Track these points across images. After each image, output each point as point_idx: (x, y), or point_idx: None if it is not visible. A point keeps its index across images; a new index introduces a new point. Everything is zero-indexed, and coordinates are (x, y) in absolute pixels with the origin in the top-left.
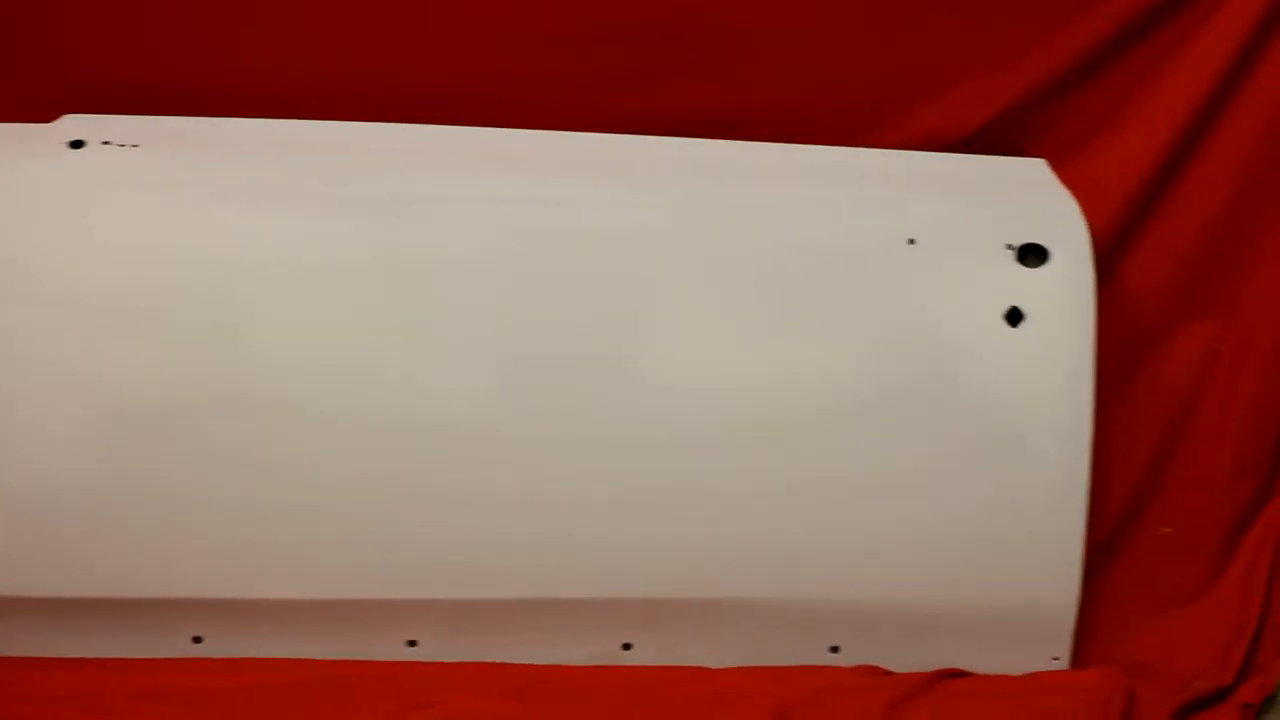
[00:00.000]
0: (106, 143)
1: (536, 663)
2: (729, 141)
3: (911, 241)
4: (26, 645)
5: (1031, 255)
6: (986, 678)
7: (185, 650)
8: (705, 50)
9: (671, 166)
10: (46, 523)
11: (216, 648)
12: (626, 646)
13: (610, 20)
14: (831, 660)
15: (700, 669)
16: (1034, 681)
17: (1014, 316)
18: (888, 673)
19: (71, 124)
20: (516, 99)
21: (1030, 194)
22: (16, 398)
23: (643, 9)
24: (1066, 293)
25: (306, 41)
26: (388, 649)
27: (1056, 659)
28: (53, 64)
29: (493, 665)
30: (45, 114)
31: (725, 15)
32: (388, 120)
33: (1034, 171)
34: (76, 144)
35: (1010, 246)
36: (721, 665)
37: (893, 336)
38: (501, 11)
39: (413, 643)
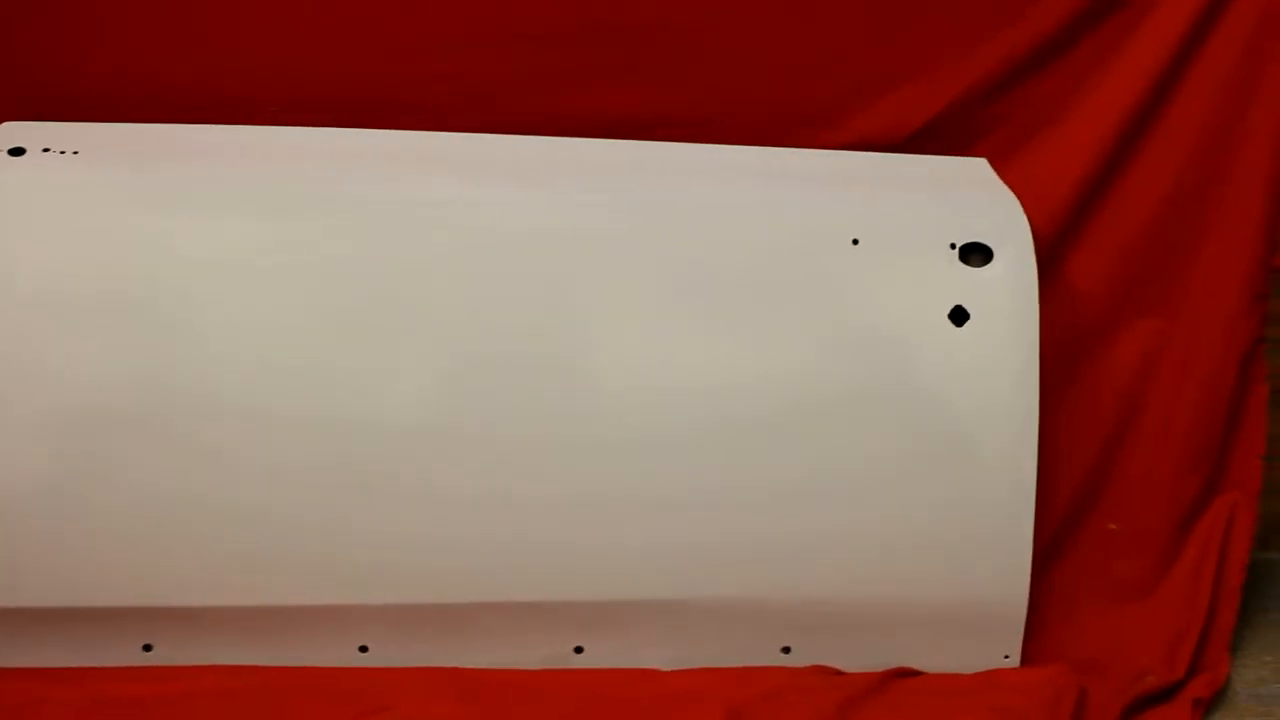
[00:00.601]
0: (46, 150)
1: (488, 666)
2: (673, 143)
3: (855, 242)
4: None
5: (975, 254)
6: (938, 676)
7: (135, 659)
8: (647, 51)
9: (619, 168)
10: None
11: (167, 655)
12: (578, 650)
13: (550, 21)
14: (783, 661)
15: (652, 671)
16: (986, 679)
17: (958, 316)
18: (840, 672)
19: (10, 131)
20: (459, 102)
21: (972, 193)
22: None
23: (583, 10)
24: (1010, 291)
25: (247, 48)
26: (339, 654)
27: (1007, 657)
28: None
29: (444, 670)
30: None
31: (666, 16)
32: (332, 124)
33: (976, 170)
34: (16, 151)
35: (953, 246)
36: (673, 667)
37: (838, 337)
38: (442, 14)
39: (364, 648)
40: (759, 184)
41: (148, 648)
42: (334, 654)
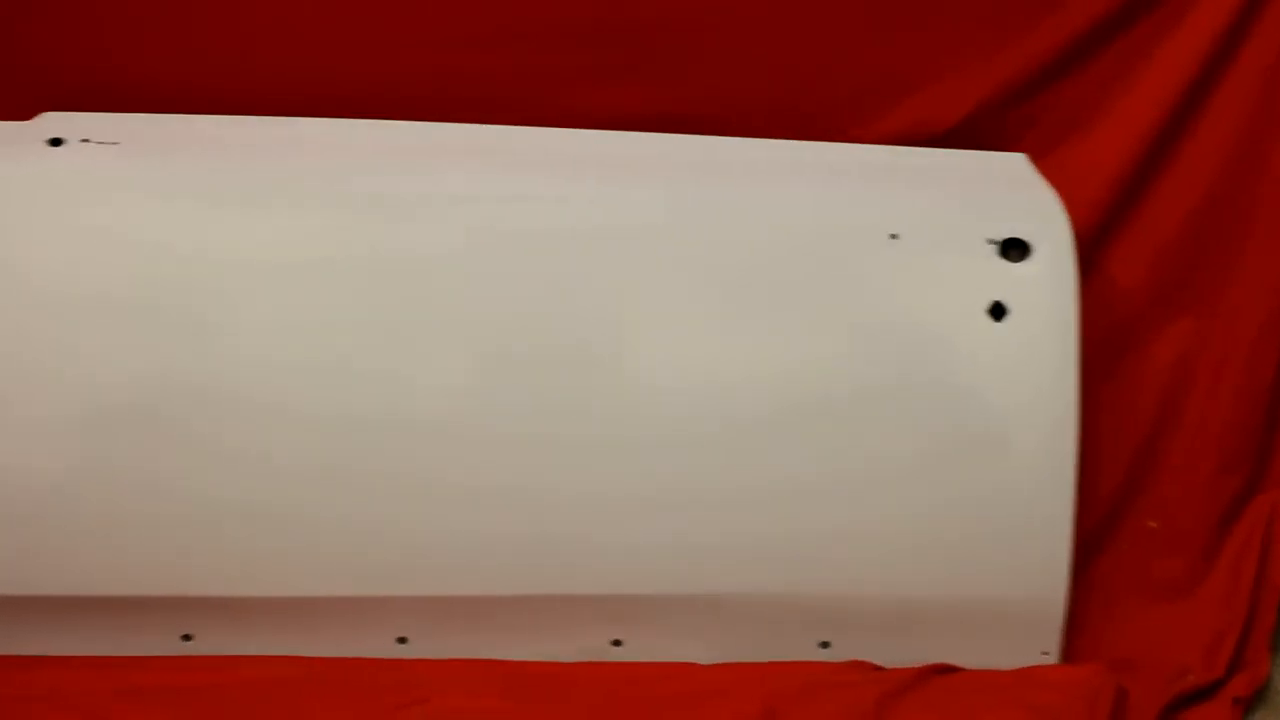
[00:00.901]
0: (86, 140)
1: (526, 659)
2: (710, 137)
3: (894, 236)
4: (16, 644)
5: (1014, 250)
6: (976, 673)
7: (175, 648)
8: (682, 45)
9: (655, 162)
10: (37, 520)
11: (206, 645)
12: (616, 643)
13: (585, 15)
14: (821, 656)
15: (690, 665)
16: (1024, 676)
17: (997, 311)
18: (877, 668)
19: (50, 121)
20: (471, 99)
21: (1012, 188)
22: None
23: (603, 6)
24: (1049, 287)
25: (278, 40)
26: (378, 646)
27: (1046, 654)
28: (32, 61)
29: (482, 662)
30: (24, 111)
31: (703, 9)
32: (354, 116)
33: (1015, 166)
34: (55, 142)
35: (992, 241)
36: (711, 662)
37: (876, 332)
38: (465, 8)
39: (403, 639)
40: (797, 178)
41: (187, 637)
42: (372, 645)
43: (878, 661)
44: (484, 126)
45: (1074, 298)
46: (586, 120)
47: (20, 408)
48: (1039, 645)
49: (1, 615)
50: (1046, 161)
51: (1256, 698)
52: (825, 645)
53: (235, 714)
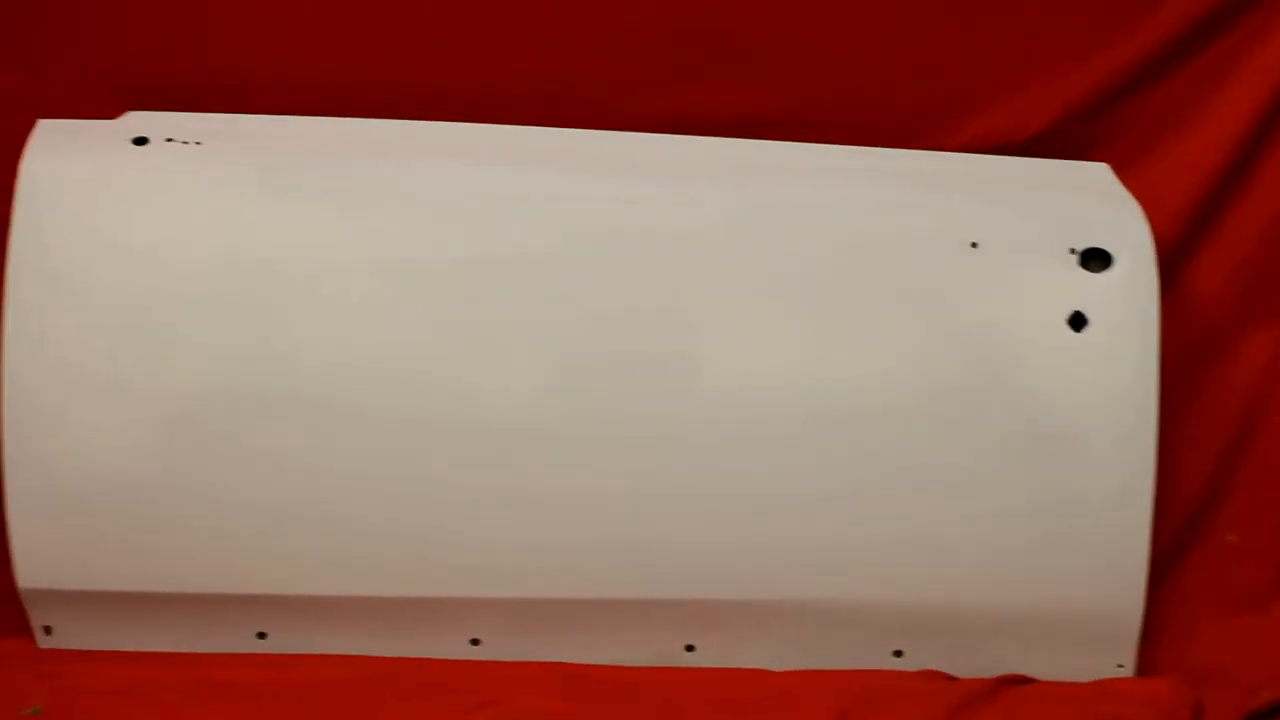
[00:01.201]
0: (170, 140)
1: (599, 663)
2: (790, 143)
3: (975, 245)
4: (94, 639)
5: (1095, 260)
6: (1051, 684)
7: (249, 645)
8: (765, 49)
9: (734, 167)
10: (113, 519)
11: (280, 643)
12: (689, 648)
13: (668, 19)
14: (895, 664)
15: (761, 671)
16: (1099, 689)
17: (1077, 321)
18: (951, 678)
19: (135, 120)
20: (559, 98)
21: (1094, 198)
22: (78, 395)
23: (690, 8)
24: (1130, 297)
25: (358, 41)
26: (451, 647)
27: (1121, 666)
28: (117, 60)
29: (554, 665)
30: (109, 110)
31: (788, 13)
32: (435, 118)
33: (1097, 175)
34: (140, 141)
35: (1074, 251)
36: (784, 668)
37: (956, 339)
38: (544, 12)
39: (476, 641)
40: (879, 184)
41: (262, 635)
42: (446, 646)
43: (952, 671)
44: (562, 130)
45: (1155, 308)
46: (667, 123)
47: (103, 407)
48: (1114, 657)
49: (84, 611)
50: (1129, 171)
51: None
52: (899, 654)
53: (309, 712)
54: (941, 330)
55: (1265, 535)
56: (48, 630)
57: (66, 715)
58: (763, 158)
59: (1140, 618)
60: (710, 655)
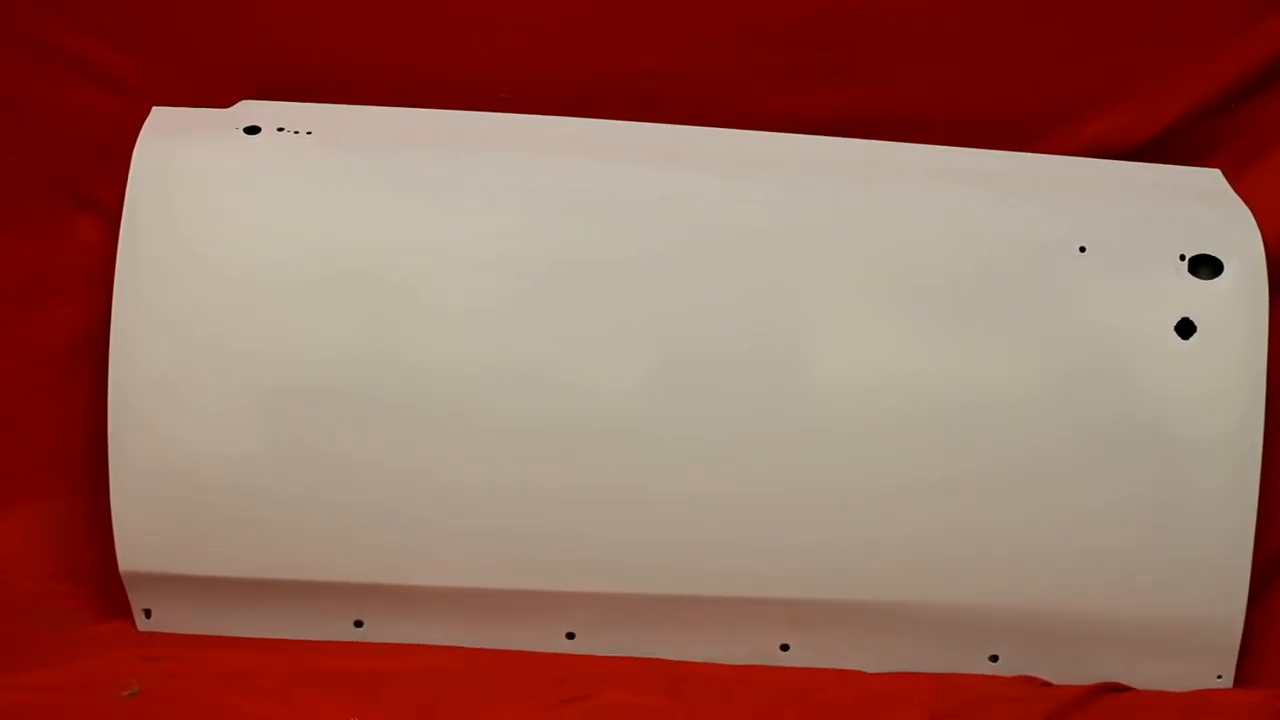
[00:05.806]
0: (281, 129)
1: (694, 660)
2: (898, 143)
3: (1082, 249)
4: (191, 624)
5: (1204, 266)
6: (1147, 693)
7: (346, 634)
8: (880, 50)
9: (844, 166)
10: (214, 504)
11: (377, 632)
12: (784, 647)
13: (785, 18)
14: (990, 669)
15: (855, 672)
16: (1197, 699)
17: (1185, 328)
18: (1047, 684)
19: (248, 109)
20: (675, 96)
21: (1204, 204)
22: (183, 378)
23: (799, 7)
24: (1240, 305)
25: (473, 37)
26: (546, 640)
27: (1220, 677)
28: (231, 49)
29: (647, 661)
30: (222, 99)
31: (905, 14)
32: (548, 114)
33: (1208, 181)
34: (252, 130)
35: (1183, 257)
36: (878, 670)
37: (1062, 343)
38: (660, 11)
39: (571, 635)
40: (987, 187)
41: (359, 624)
42: (541, 639)
43: (1048, 678)
44: (677, 127)
45: (1265, 316)
46: (778, 122)
47: (202, 391)
48: (1214, 668)
49: (183, 595)
50: (1241, 178)
51: None
52: (994, 659)
53: (406, 702)
54: (1047, 334)
55: None
56: (147, 613)
57: (164, 698)
58: (874, 157)
59: (1241, 628)
60: (805, 655)
